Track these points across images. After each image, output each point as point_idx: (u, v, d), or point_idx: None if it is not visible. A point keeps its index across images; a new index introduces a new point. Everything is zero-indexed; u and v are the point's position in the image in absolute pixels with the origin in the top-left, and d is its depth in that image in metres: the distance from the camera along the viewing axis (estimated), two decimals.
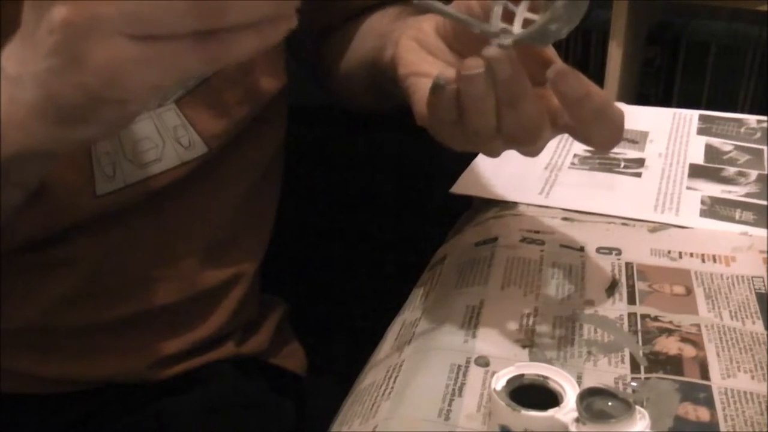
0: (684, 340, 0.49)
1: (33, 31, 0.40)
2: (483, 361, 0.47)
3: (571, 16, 0.44)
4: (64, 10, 0.38)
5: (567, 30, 0.44)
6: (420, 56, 0.52)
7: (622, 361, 0.47)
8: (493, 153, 0.51)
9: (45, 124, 0.42)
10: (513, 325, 0.50)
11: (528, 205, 0.65)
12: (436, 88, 0.47)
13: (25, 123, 0.42)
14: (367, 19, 0.70)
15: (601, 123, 0.48)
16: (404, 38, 0.54)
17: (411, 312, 0.55)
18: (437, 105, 0.48)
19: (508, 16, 0.47)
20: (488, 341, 0.49)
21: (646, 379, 0.46)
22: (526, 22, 0.47)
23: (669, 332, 0.50)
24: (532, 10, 0.47)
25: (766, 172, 0.69)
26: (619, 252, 0.58)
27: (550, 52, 0.49)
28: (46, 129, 0.42)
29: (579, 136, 0.49)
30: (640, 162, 0.71)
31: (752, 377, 0.46)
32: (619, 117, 0.49)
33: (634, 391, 0.45)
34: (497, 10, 0.47)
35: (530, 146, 0.49)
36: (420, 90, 0.51)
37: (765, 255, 0.57)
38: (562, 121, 0.49)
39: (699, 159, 0.72)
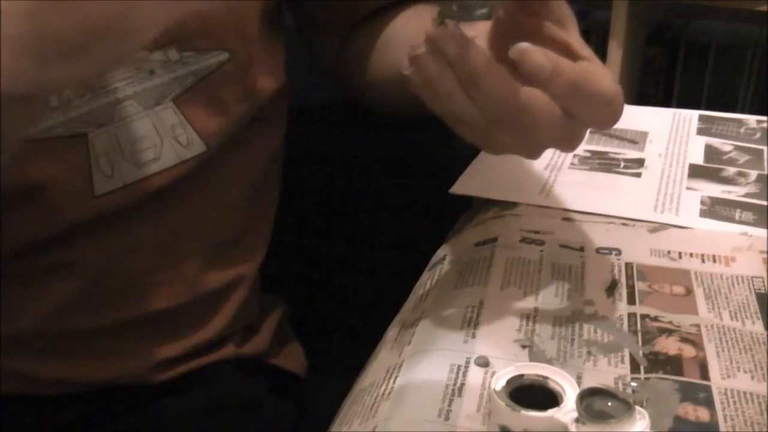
0: (684, 340, 0.49)
1: None
2: (483, 361, 0.47)
3: None
4: None
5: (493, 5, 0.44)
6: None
7: (622, 361, 0.47)
8: (520, 150, 0.50)
9: (31, 62, 0.39)
10: (513, 325, 0.50)
11: (528, 205, 0.65)
12: (401, 77, 0.47)
13: (6, 63, 0.39)
14: (395, 21, 0.69)
15: (581, 99, 0.46)
16: None
17: (411, 312, 0.55)
18: (421, 96, 0.48)
19: None
20: (488, 341, 0.49)
21: (646, 379, 0.46)
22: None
23: (669, 332, 0.50)
24: None
25: (766, 172, 0.69)
26: (619, 252, 0.58)
27: (570, 39, 0.47)
28: (32, 69, 0.39)
29: (573, 118, 0.47)
30: (640, 162, 0.71)
31: (752, 377, 0.46)
32: (608, 91, 0.47)
33: (633, 391, 0.45)
34: None
35: (539, 133, 0.48)
36: None
37: (765, 255, 0.57)
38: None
39: (699, 159, 0.72)
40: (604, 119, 0.48)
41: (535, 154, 0.51)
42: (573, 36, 0.49)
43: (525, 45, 0.45)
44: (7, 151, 0.46)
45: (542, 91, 0.46)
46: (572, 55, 0.47)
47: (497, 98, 0.46)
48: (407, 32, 0.66)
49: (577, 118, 0.48)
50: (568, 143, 0.50)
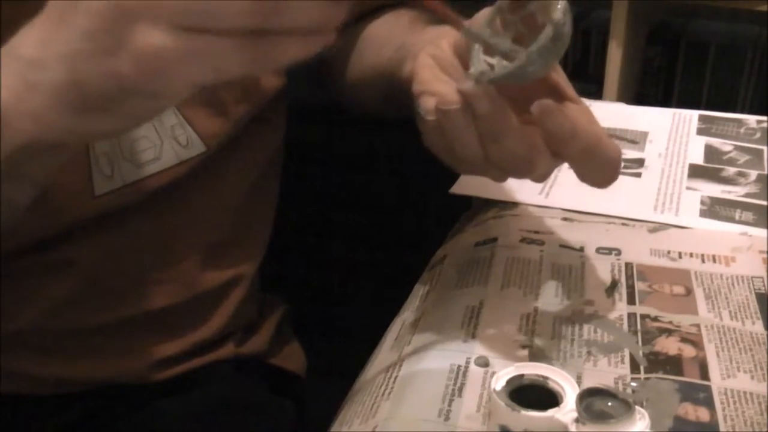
0: (684, 340, 0.49)
1: (65, 12, 0.38)
2: (483, 361, 0.47)
3: (548, 58, 0.43)
4: (95, 4, 0.36)
5: (546, 70, 0.44)
6: (434, 74, 0.51)
7: (622, 362, 0.47)
8: (495, 179, 0.51)
9: (63, 112, 0.40)
10: (513, 325, 0.50)
11: (528, 205, 0.65)
12: (417, 114, 0.48)
13: (39, 111, 0.40)
14: (374, 22, 0.70)
15: (591, 162, 0.48)
16: (422, 54, 0.52)
17: (411, 312, 0.55)
18: (425, 132, 0.48)
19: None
20: (488, 341, 0.49)
21: (646, 379, 0.46)
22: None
23: (669, 332, 0.50)
24: (518, 41, 0.46)
25: (766, 172, 0.69)
26: (618, 252, 0.58)
27: (559, 79, 0.48)
28: (64, 118, 0.40)
29: (573, 170, 0.49)
30: (640, 162, 0.71)
31: (752, 377, 0.46)
32: (613, 155, 0.48)
33: (633, 391, 0.45)
34: (478, 49, 0.46)
35: (526, 176, 0.49)
36: None
37: (765, 255, 0.57)
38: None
39: (699, 159, 0.72)
40: (605, 181, 0.49)
41: (504, 181, 0.53)
42: (560, 75, 0.49)
43: (549, 103, 0.45)
44: (34, 190, 0.47)
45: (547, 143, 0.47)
46: (558, 95, 0.48)
47: (511, 153, 0.47)
48: (385, 35, 0.67)
49: (578, 175, 0.49)
50: (542, 179, 0.51)
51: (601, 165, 0.48)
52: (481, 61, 0.46)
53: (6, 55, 0.41)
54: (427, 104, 0.47)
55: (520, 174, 0.49)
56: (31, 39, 0.40)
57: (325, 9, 0.36)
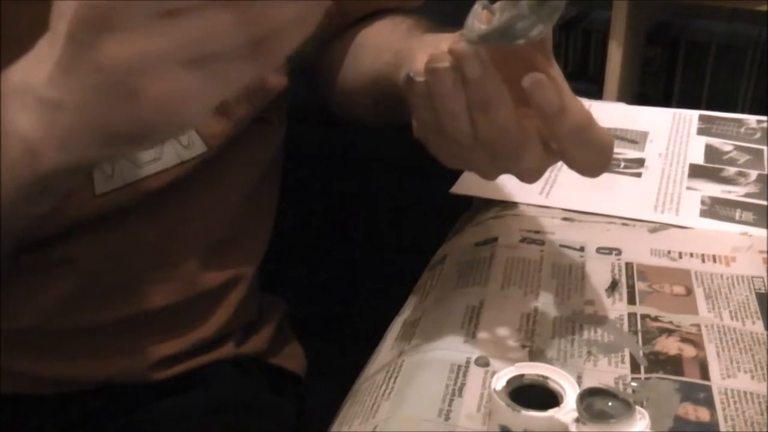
0: (684, 340, 0.49)
1: (73, 64, 0.38)
2: (483, 361, 0.47)
3: (540, 16, 0.42)
4: (112, 49, 0.36)
5: (537, 31, 0.43)
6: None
7: (622, 361, 0.47)
8: (483, 171, 0.50)
9: (90, 145, 0.40)
10: (513, 325, 0.50)
11: (528, 205, 0.65)
12: (407, 79, 0.47)
13: (66, 144, 0.40)
14: (368, 27, 0.69)
15: (581, 144, 0.46)
16: (420, 54, 0.52)
17: (411, 312, 0.55)
18: (412, 102, 0.48)
19: None
20: (488, 341, 0.49)
21: (646, 379, 0.46)
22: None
23: (669, 332, 0.50)
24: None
25: (766, 172, 0.69)
26: (619, 252, 0.58)
27: (557, 76, 0.47)
28: (91, 149, 0.41)
29: (563, 158, 0.48)
30: (640, 162, 0.71)
31: (752, 377, 0.46)
32: (605, 140, 0.47)
33: (634, 391, 0.45)
34: (476, 8, 0.45)
35: (515, 164, 0.48)
36: None
37: (765, 255, 0.57)
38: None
39: (699, 159, 0.72)
40: (595, 166, 0.48)
41: (493, 177, 0.51)
42: (558, 73, 0.48)
43: (540, 76, 0.44)
44: (56, 200, 0.47)
45: (538, 126, 0.46)
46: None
47: (500, 128, 0.45)
48: (383, 40, 0.66)
49: (567, 160, 0.48)
50: (532, 177, 0.50)
51: (592, 149, 0.47)
52: (475, 24, 0.45)
53: (22, 91, 0.40)
54: (417, 65, 0.46)
55: (508, 159, 0.47)
56: (43, 75, 0.39)
57: None
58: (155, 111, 0.37)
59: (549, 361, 0.47)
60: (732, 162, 0.71)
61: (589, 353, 0.48)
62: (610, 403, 0.40)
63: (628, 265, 0.56)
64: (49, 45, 0.39)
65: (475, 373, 0.46)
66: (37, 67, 0.40)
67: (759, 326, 0.50)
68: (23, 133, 0.40)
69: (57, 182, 0.44)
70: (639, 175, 0.69)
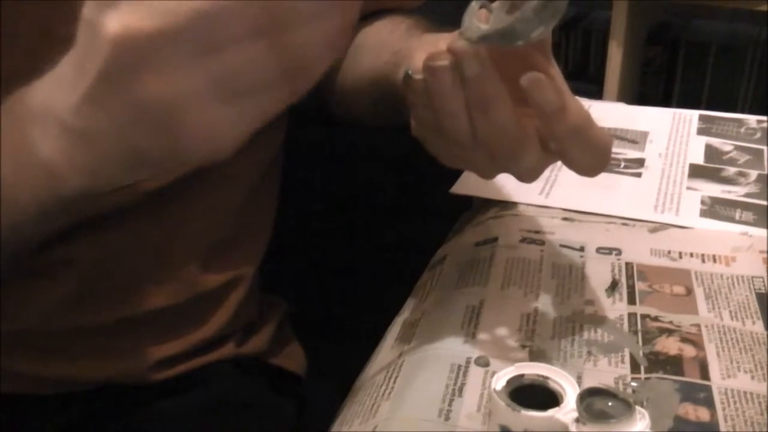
0: (684, 340, 0.49)
1: (105, 99, 0.37)
2: (483, 361, 0.47)
3: (542, 18, 0.42)
4: (151, 86, 0.35)
5: (538, 33, 0.43)
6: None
7: (622, 361, 0.47)
8: (481, 170, 0.50)
9: (118, 172, 0.40)
10: (513, 325, 0.50)
11: (528, 205, 0.65)
12: (406, 78, 0.47)
13: (92, 170, 0.40)
14: (367, 27, 0.69)
15: (579, 143, 0.46)
16: (419, 52, 0.52)
17: (411, 312, 0.55)
18: (411, 101, 0.47)
19: None
20: (488, 341, 0.49)
21: (646, 379, 0.46)
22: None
23: (669, 332, 0.50)
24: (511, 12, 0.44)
25: (766, 172, 0.69)
26: (619, 252, 0.58)
27: (555, 74, 0.47)
28: (118, 175, 0.40)
29: (561, 158, 0.48)
30: (640, 162, 0.71)
31: (752, 377, 0.46)
32: (603, 140, 0.47)
33: (634, 391, 0.45)
34: (474, 6, 0.45)
35: (514, 163, 0.48)
36: None
37: (765, 255, 0.57)
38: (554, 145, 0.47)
39: (699, 159, 0.72)
40: (593, 166, 0.48)
41: (492, 176, 0.51)
42: (557, 72, 0.48)
43: (539, 76, 0.44)
44: (79, 216, 0.47)
45: (537, 126, 0.46)
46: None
47: (499, 127, 0.45)
48: (383, 39, 0.66)
49: (566, 160, 0.48)
50: (531, 177, 0.50)
51: (591, 149, 0.47)
52: (474, 23, 0.45)
53: (43, 115, 0.40)
54: (416, 64, 0.46)
55: (507, 159, 0.47)
56: (67, 103, 0.38)
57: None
58: (189, 142, 0.37)
59: (549, 361, 0.47)
60: (732, 162, 0.71)
61: (589, 353, 0.48)
62: (610, 403, 0.40)
63: (628, 265, 0.56)
64: (75, 71, 0.38)
65: (475, 373, 0.46)
66: (59, 92, 0.39)
67: (759, 326, 0.50)
68: (45, 158, 0.40)
69: (80, 204, 0.44)
70: (639, 175, 0.69)
